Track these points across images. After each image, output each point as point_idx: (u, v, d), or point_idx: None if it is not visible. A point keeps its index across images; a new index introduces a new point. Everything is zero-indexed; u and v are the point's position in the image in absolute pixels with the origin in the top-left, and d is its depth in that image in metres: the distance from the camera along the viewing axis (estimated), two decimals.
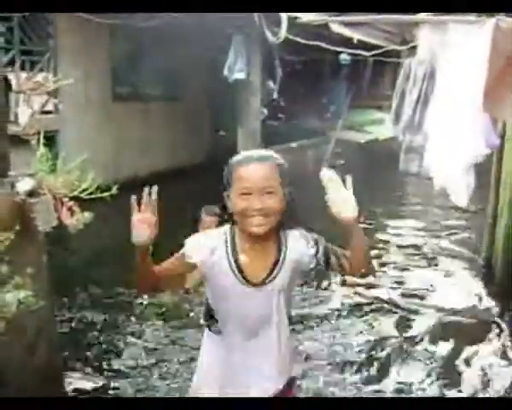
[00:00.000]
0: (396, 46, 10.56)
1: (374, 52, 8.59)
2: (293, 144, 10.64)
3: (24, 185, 2.68)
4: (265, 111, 9.41)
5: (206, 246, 2.27)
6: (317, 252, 2.34)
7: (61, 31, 8.12)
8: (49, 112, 7.52)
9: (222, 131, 9.30)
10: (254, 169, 2.18)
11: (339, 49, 9.00)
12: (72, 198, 2.90)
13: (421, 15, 4.66)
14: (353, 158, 12.02)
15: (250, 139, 9.00)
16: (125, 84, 9.87)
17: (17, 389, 2.77)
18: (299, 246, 2.33)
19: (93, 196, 2.91)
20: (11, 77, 5.03)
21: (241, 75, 8.51)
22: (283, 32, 7.76)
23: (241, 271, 2.26)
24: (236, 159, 2.24)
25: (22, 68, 7.38)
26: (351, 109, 12.39)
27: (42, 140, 3.06)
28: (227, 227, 2.32)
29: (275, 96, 9.37)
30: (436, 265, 6.69)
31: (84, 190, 2.90)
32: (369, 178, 10.32)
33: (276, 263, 2.29)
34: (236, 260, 2.26)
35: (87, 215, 2.79)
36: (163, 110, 10.64)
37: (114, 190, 3.00)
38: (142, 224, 2.09)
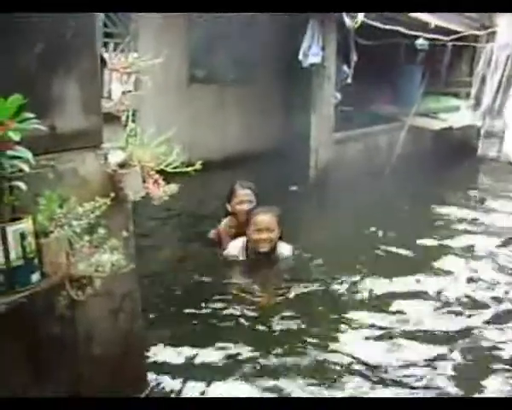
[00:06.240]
0: (475, 31, 10.31)
1: (452, 37, 8.43)
2: (366, 130, 10.58)
3: (115, 157, 2.86)
4: (339, 96, 9.36)
5: None
6: None
7: (142, 16, 8.37)
8: (129, 91, 7.76)
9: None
10: None
11: (416, 33, 8.88)
12: (157, 171, 3.07)
13: None
14: (426, 145, 11.83)
15: (323, 124, 9.02)
16: (201, 66, 10.07)
17: (100, 350, 2.95)
18: None
19: (178, 170, 3.05)
20: (105, 55, 5.26)
21: (316, 59, 8.51)
22: (361, 16, 7.74)
23: None
24: None
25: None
26: (425, 95, 12.16)
27: (131, 116, 3.24)
28: None
29: (349, 80, 9.31)
30: None
31: (169, 164, 3.05)
32: (443, 166, 10.17)
33: None
34: None
35: (173, 187, 2.94)
36: (237, 94, 10.78)
37: (198, 166, 3.15)
38: None
